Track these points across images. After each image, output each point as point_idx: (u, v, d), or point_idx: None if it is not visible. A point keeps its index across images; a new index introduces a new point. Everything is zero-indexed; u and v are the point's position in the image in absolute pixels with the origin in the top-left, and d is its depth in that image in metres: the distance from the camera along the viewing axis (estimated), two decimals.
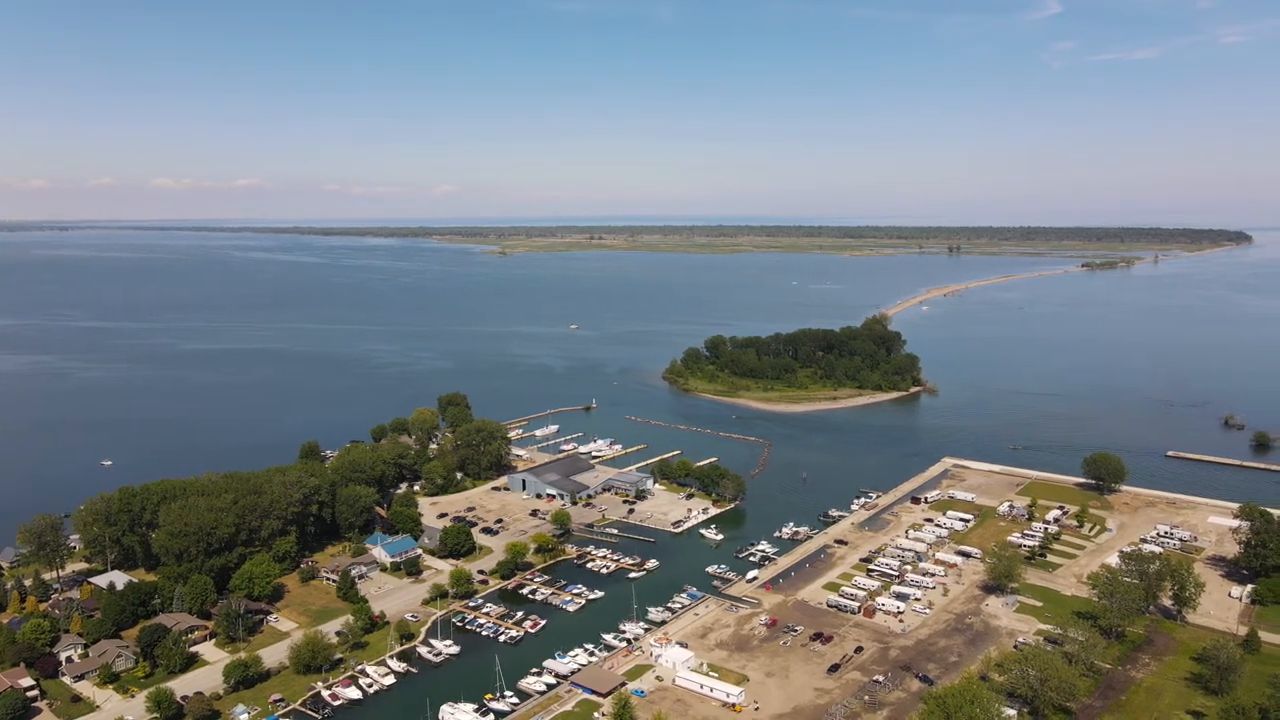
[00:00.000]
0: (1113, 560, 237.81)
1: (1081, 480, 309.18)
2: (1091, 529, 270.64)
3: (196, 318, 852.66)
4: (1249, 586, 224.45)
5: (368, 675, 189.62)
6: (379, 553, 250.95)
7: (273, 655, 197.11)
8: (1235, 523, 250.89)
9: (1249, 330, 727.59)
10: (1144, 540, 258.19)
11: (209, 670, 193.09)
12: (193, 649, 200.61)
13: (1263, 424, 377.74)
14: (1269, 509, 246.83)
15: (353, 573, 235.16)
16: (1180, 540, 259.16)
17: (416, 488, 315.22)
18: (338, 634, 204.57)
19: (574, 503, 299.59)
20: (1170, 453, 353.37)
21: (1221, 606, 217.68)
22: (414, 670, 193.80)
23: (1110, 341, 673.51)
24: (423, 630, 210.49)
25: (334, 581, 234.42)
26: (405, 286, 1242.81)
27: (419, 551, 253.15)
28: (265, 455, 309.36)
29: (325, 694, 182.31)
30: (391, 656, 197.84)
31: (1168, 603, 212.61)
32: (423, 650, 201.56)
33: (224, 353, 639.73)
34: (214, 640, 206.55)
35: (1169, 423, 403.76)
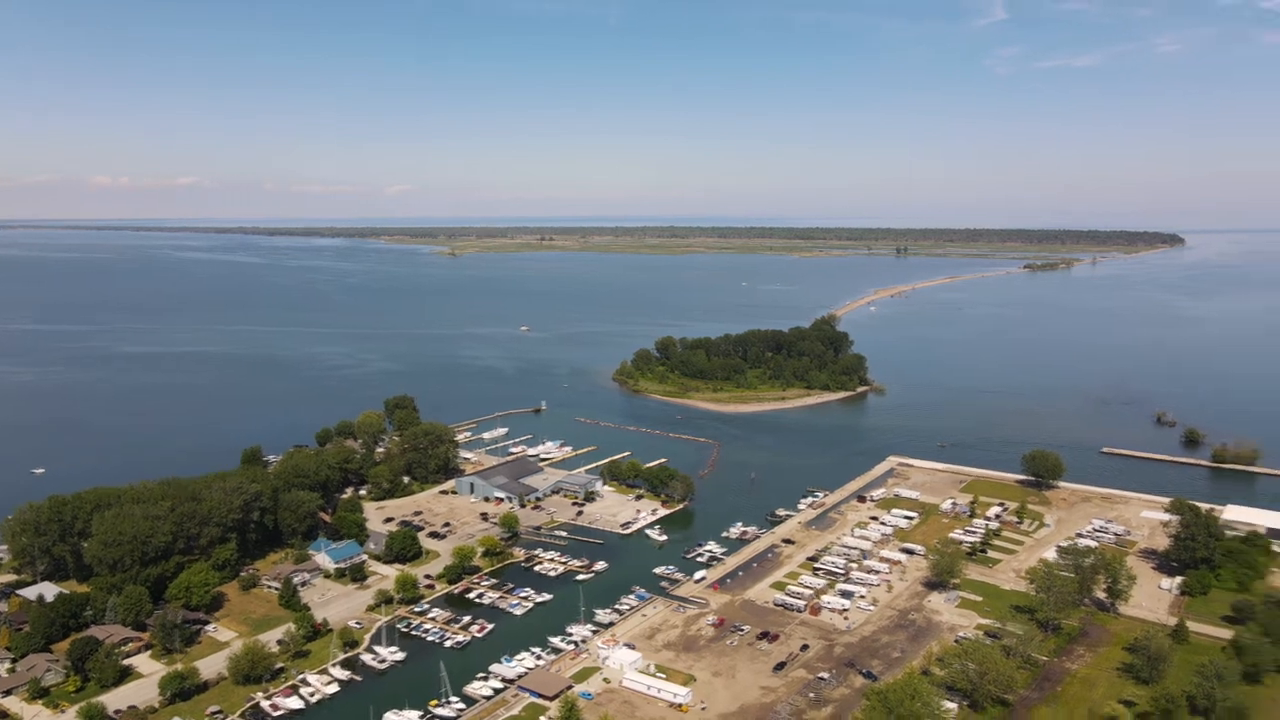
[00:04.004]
0: (1050, 555, 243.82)
1: (1021, 477, 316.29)
2: (1030, 525, 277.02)
3: (135, 320, 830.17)
4: (1178, 578, 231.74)
5: (309, 684, 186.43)
6: (323, 559, 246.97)
7: (211, 666, 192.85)
8: (1166, 517, 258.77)
9: (1180, 330, 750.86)
10: (1080, 535, 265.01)
11: (144, 683, 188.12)
12: (126, 661, 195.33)
13: (1193, 421, 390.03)
14: (1198, 503, 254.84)
15: (295, 580, 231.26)
16: (1114, 534, 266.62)
17: (362, 492, 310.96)
18: (279, 643, 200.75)
19: (523, 505, 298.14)
20: (1105, 449, 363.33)
21: (1152, 598, 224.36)
22: (358, 678, 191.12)
23: (1049, 341, 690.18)
24: (367, 637, 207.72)
25: (276, 589, 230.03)
26: (351, 287, 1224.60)
27: (364, 557, 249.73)
28: (205, 461, 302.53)
29: (265, 705, 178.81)
30: (334, 664, 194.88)
31: (1102, 595, 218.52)
32: (367, 657, 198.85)
33: (163, 356, 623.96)
34: (149, 652, 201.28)
35: (1104, 420, 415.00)
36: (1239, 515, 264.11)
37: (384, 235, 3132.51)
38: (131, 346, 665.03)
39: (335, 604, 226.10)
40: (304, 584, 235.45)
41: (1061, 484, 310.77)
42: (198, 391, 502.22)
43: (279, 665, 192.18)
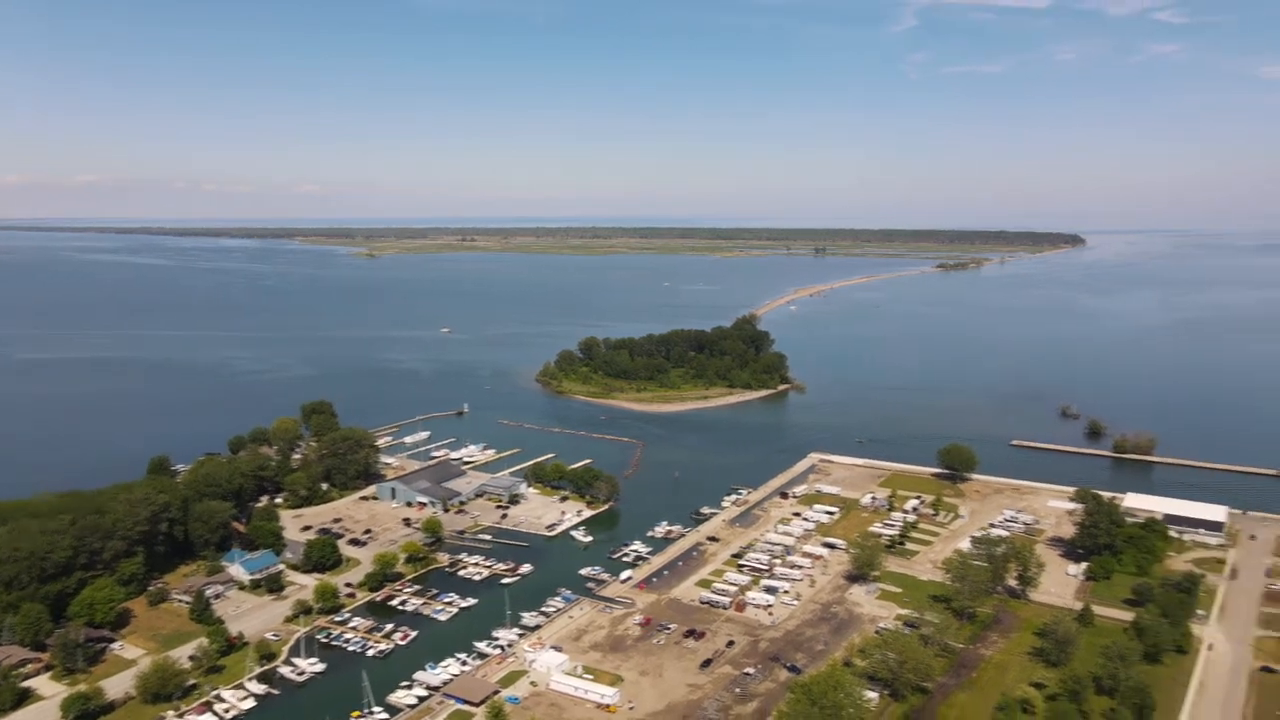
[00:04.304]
0: (965, 545, 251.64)
1: (937, 470, 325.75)
2: (946, 517, 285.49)
3: (32, 325, 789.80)
4: (1084, 564, 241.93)
5: (224, 700, 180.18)
6: (237, 570, 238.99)
7: (117, 685, 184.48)
8: (1071, 506, 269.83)
9: (1083, 326, 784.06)
10: (992, 525, 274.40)
11: (44, 706, 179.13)
12: (25, 684, 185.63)
13: (1096, 413, 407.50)
14: (1100, 492, 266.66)
15: (208, 593, 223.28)
16: (1024, 524, 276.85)
17: (278, 500, 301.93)
18: (191, 658, 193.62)
19: (446, 510, 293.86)
20: (1015, 442, 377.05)
21: (1060, 584, 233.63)
22: (275, 692, 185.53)
23: (962, 338, 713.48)
24: (285, 649, 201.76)
25: (187, 603, 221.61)
26: (265, 290, 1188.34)
27: (281, 567, 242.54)
28: (109, 472, 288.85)
29: None
30: (251, 679, 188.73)
31: (1013, 583, 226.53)
32: (285, 670, 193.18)
33: (63, 362, 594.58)
34: (50, 673, 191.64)
35: (1013, 413, 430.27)
36: (1138, 503, 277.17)
37: (299, 236, 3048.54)
38: (30, 353, 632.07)
39: (251, 616, 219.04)
40: (217, 597, 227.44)
41: (975, 476, 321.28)
42: (100, 399, 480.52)
43: (191, 682, 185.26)
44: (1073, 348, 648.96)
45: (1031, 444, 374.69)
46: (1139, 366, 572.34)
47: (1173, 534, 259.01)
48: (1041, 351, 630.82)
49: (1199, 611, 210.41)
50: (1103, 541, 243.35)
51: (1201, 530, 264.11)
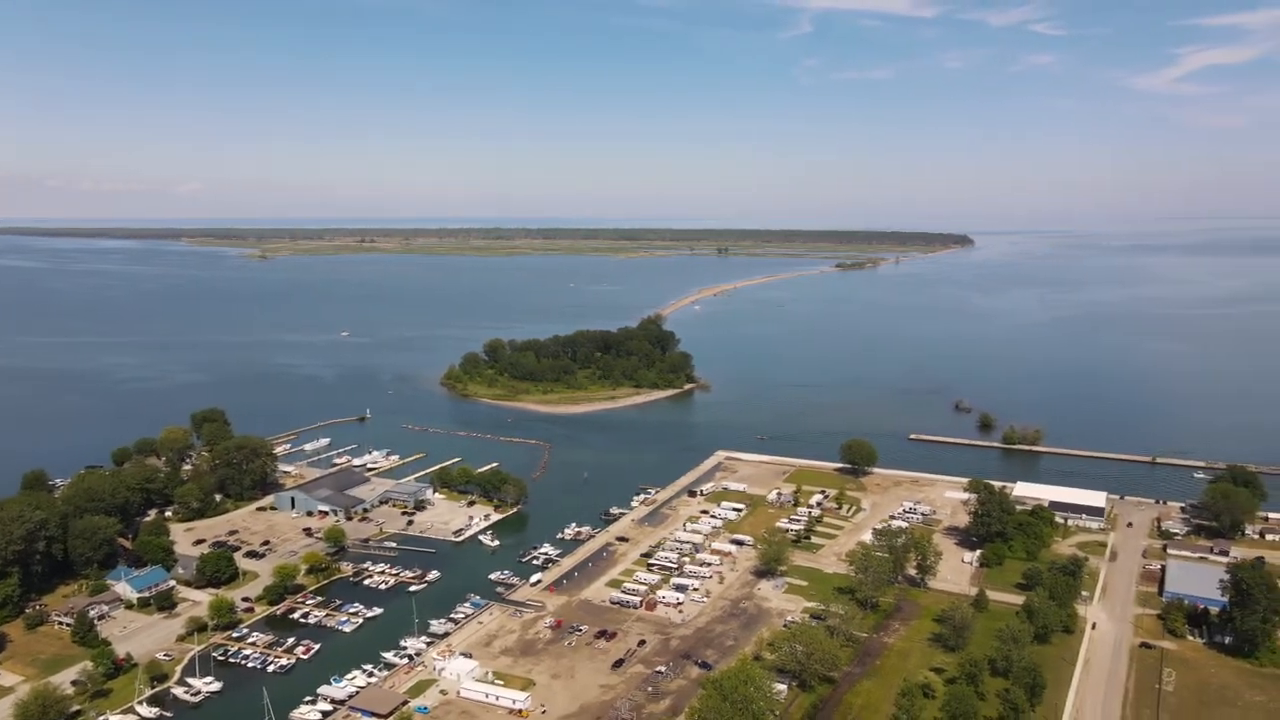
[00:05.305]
0: (867, 537, 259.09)
1: (840, 465, 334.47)
2: (849, 510, 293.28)
3: None
4: (978, 552, 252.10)
5: None
6: (123, 588, 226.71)
7: None
8: (966, 496, 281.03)
9: (973, 323, 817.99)
10: (893, 517, 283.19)
11: None
12: None
13: (986, 406, 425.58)
14: (992, 482, 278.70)
15: (91, 613, 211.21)
16: (922, 515, 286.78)
17: (168, 514, 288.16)
18: (74, 683, 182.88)
19: (349, 518, 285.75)
20: (912, 435, 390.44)
21: (956, 571, 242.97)
22: (168, 714, 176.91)
23: (860, 335, 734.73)
24: (178, 669, 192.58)
25: (68, 625, 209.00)
26: (149, 293, 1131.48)
27: (172, 583, 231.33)
28: None
29: None
30: (140, 702, 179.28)
31: (913, 572, 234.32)
32: (178, 691, 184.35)
33: None
34: None
35: (911, 408, 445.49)
36: (1027, 491, 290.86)
37: (184, 237, 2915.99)
38: None
39: (140, 636, 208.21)
40: (102, 617, 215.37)
41: (875, 470, 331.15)
42: None
43: (75, 708, 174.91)
44: (964, 344, 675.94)
45: (928, 437, 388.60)
46: (1025, 362, 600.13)
47: (1058, 520, 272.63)
48: (936, 348, 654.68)
49: (1083, 593, 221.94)
50: (995, 529, 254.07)
51: (1084, 515, 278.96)
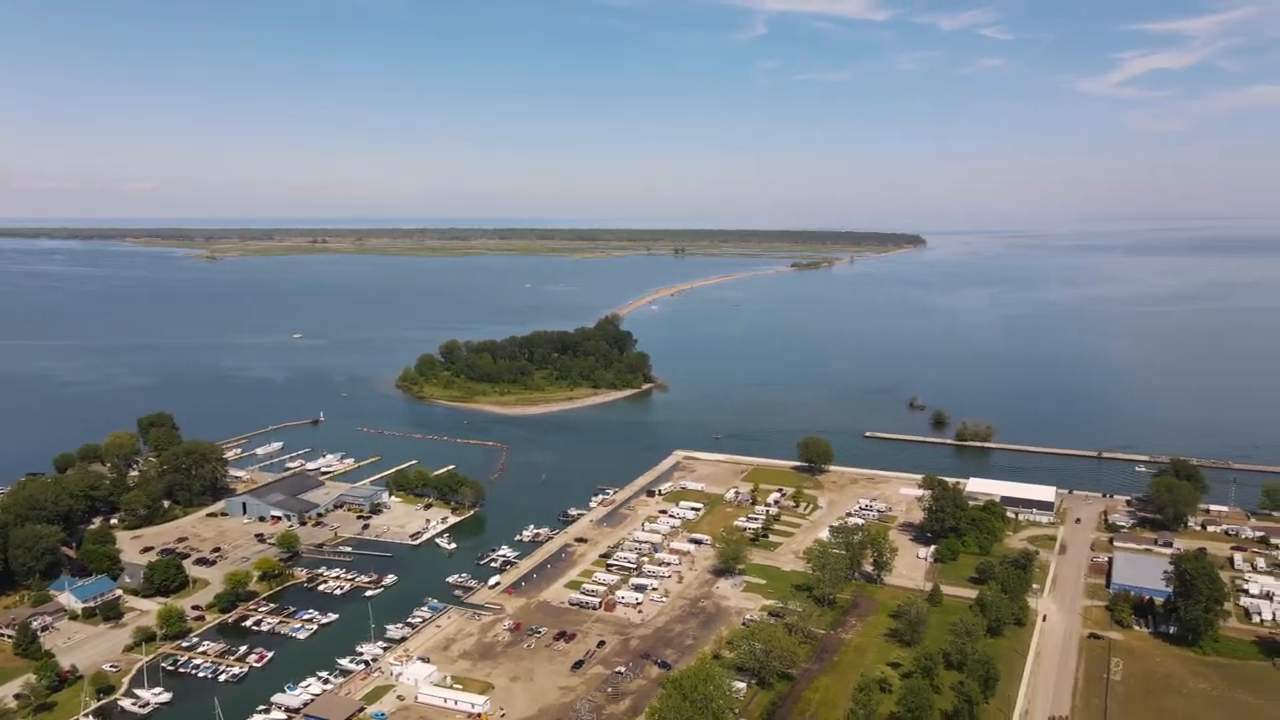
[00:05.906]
0: (824, 535, 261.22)
1: (796, 463, 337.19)
2: (806, 508, 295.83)
3: None
4: (932, 547, 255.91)
5: None
6: (67, 598, 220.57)
7: None
8: (920, 492, 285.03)
9: (926, 321, 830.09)
10: (849, 514, 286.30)
11: None
12: None
13: (939, 404, 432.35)
14: (945, 478, 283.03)
15: (34, 624, 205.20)
16: (878, 511, 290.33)
17: (114, 521, 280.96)
18: (16, 697, 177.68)
19: (303, 523, 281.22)
20: (868, 433, 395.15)
21: (911, 567, 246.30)
22: None
23: (817, 334, 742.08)
24: (126, 680, 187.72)
25: (10, 637, 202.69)
26: (91, 295, 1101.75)
27: (118, 592, 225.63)
28: None
29: None
30: (87, 715, 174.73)
31: (869, 568, 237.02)
32: (126, 703, 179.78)
33: None
34: None
35: (866, 406, 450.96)
36: (979, 487, 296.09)
37: (128, 237, 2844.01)
38: None
39: (85, 647, 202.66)
40: (45, 629, 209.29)
41: (832, 468, 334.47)
42: None
43: None
44: (918, 343, 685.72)
45: (883, 435, 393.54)
46: (976, 359, 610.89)
47: (1010, 515, 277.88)
48: (890, 346, 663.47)
49: (1034, 586, 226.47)
50: (949, 525, 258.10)
51: (1034, 510, 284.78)
